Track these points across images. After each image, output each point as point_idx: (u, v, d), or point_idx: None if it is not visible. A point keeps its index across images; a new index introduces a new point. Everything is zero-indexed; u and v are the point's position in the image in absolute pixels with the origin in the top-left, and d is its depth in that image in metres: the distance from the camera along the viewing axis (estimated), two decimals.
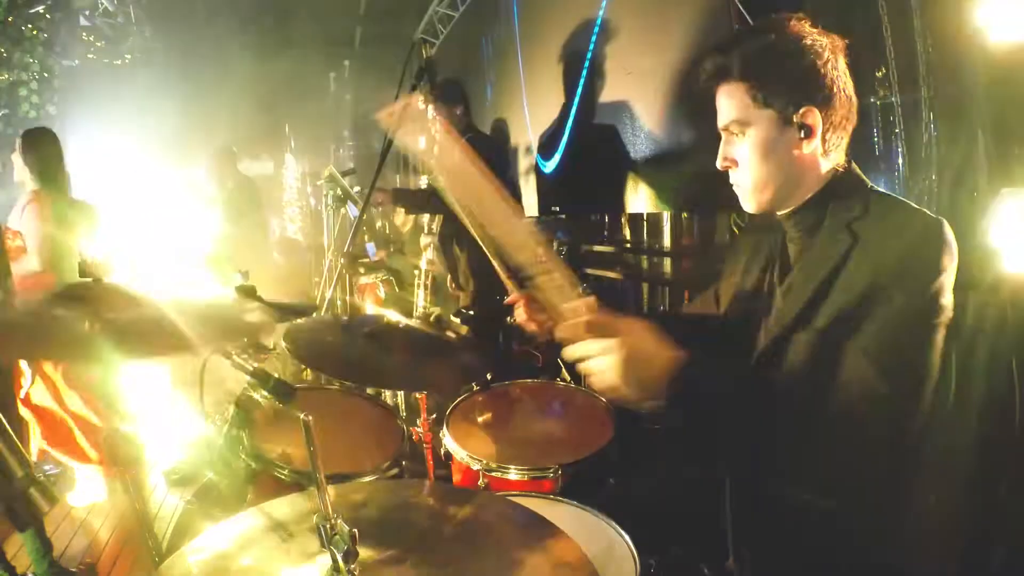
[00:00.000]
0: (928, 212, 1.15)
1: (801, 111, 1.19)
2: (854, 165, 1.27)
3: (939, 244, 1.10)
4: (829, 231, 1.21)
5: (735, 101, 1.23)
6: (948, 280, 1.09)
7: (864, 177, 1.26)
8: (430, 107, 3.42)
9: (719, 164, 1.30)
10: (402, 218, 5.66)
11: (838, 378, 1.10)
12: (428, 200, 3.73)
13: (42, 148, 3.15)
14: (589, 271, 4.03)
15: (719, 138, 1.31)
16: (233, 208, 4.90)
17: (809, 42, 1.19)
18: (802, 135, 1.20)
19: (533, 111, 4.67)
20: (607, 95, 3.76)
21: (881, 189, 1.26)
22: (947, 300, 1.10)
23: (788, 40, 1.20)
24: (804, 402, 1.12)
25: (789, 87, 1.19)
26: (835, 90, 1.19)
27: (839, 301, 1.13)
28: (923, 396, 1.10)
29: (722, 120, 1.27)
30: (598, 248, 4.16)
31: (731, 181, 1.31)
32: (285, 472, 1.53)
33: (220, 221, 4.52)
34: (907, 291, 1.08)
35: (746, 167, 1.25)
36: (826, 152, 1.23)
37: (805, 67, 1.18)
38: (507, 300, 1.63)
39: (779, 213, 1.30)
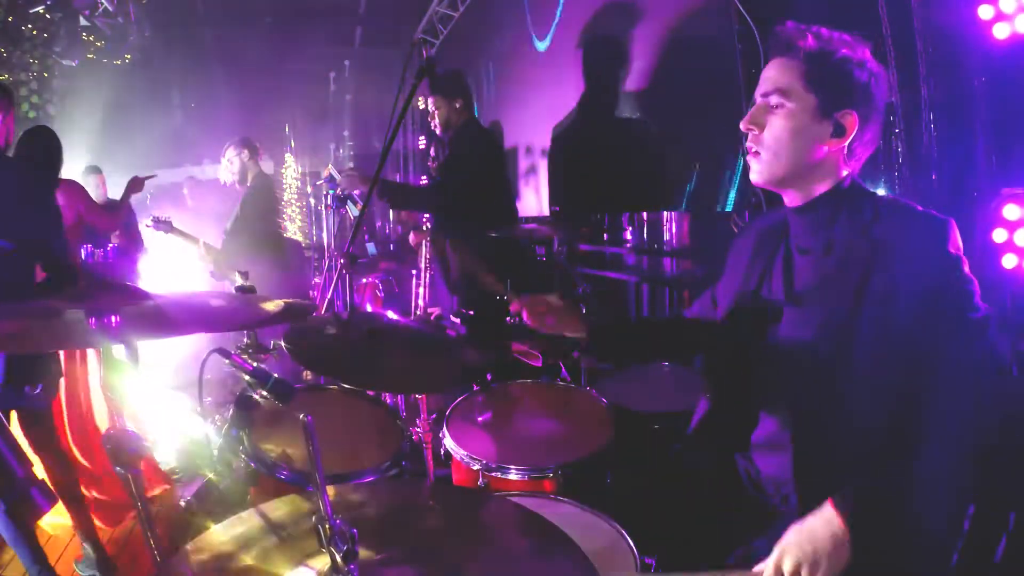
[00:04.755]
0: (935, 213, 1.20)
1: (843, 111, 1.23)
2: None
3: (949, 238, 1.16)
4: (845, 240, 1.24)
5: (787, 74, 1.25)
6: (965, 268, 1.16)
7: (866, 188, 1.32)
8: (429, 101, 3.43)
9: (743, 125, 1.30)
10: (403, 217, 5.66)
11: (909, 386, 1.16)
12: (417, 196, 3.68)
13: (45, 142, 3.08)
14: (589, 271, 4.03)
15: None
16: (250, 207, 4.68)
17: (873, 67, 1.25)
18: (833, 133, 1.24)
19: (535, 110, 4.66)
20: (607, 94, 3.76)
21: (883, 194, 1.30)
22: (974, 287, 1.15)
23: (856, 55, 1.24)
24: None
25: (842, 89, 1.23)
26: (875, 113, 1.26)
27: (878, 319, 1.17)
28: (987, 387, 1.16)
29: (765, 87, 1.28)
30: (598, 248, 4.16)
31: (748, 145, 1.32)
32: (285, 473, 1.53)
33: (233, 220, 4.34)
34: (935, 290, 1.14)
35: (770, 135, 1.27)
36: (848, 158, 1.27)
37: (863, 83, 1.24)
38: (511, 309, 1.63)
39: (790, 207, 1.33)
